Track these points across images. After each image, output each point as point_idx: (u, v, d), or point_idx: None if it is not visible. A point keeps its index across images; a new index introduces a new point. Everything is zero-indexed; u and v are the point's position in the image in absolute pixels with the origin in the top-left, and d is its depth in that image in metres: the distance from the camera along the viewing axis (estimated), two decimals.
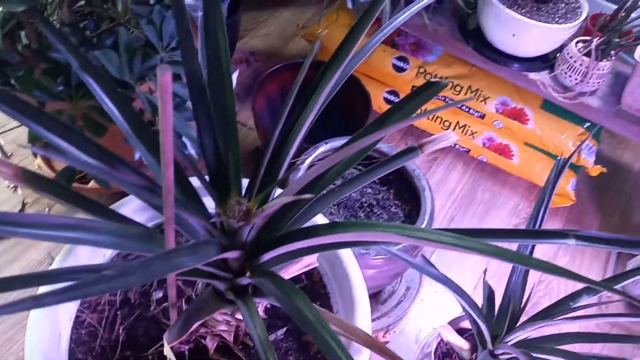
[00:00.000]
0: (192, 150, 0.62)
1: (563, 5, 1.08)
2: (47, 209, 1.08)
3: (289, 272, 0.65)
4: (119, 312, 0.70)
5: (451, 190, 1.26)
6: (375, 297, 1.05)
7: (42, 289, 0.63)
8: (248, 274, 0.56)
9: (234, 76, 0.61)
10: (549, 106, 1.18)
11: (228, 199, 0.52)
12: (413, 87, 1.29)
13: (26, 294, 0.27)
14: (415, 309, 1.04)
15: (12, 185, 1.12)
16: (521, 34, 1.05)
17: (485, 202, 1.25)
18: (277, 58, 1.47)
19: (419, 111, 0.52)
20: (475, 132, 1.27)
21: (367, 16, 0.53)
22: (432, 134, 1.32)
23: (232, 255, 0.50)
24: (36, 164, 1.09)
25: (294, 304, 0.45)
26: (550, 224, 1.22)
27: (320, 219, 0.74)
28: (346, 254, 0.71)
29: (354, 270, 0.70)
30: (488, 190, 1.27)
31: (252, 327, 0.51)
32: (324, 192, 0.58)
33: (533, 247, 0.74)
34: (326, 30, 1.34)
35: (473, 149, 1.29)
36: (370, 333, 0.65)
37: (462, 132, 1.29)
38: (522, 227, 1.22)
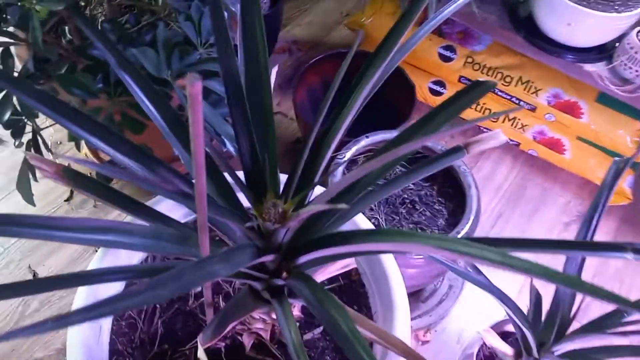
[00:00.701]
0: (230, 147, 0.61)
1: None
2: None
3: (327, 272, 0.64)
4: (158, 306, 0.70)
5: (499, 185, 1.22)
6: (417, 295, 1.02)
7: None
8: (284, 274, 0.55)
9: (273, 71, 0.59)
10: (605, 99, 1.11)
11: (264, 200, 0.51)
12: (460, 77, 1.24)
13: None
14: (457, 308, 1.02)
15: (66, 199, 1.15)
16: (577, 24, 0.99)
17: (534, 198, 1.20)
18: (320, 47, 1.45)
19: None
20: (526, 125, 1.22)
21: (414, 8, 0.50)
22: (481, 126, 1.27)
23: (267, 259, 0.49)
24: (83, 154, 1.11)
25: (328, 313, 0.44)
26: (604, 225, 1.16)
27: (360, 219, 0.72)
28: (386, 255, 0.69)
29: (394, 272, 0.68)
30: (538, 185, 1.22)
31: (286, 330, 0.50)
32: (364, 192, 0.56)
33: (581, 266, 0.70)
34: (370, 18, 1.30)
35: (523, 143, 1.24)
36: (408, 339, 0.63)
37: (512, 124, 1.23)
38: (574, 225, 1.16)
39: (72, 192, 1.13)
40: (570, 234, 1.15)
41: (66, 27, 0.66)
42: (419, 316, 1.00)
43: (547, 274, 0.34)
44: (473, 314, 1.01)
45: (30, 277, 1.00)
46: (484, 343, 0.82)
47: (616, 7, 0.99)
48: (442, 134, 0.35)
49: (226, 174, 0.54)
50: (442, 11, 0.54)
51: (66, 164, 0.45)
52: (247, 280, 0.55)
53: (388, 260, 0.69)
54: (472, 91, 0.45)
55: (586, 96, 1.13)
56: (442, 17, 0.54)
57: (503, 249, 0.49)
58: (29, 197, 0.63)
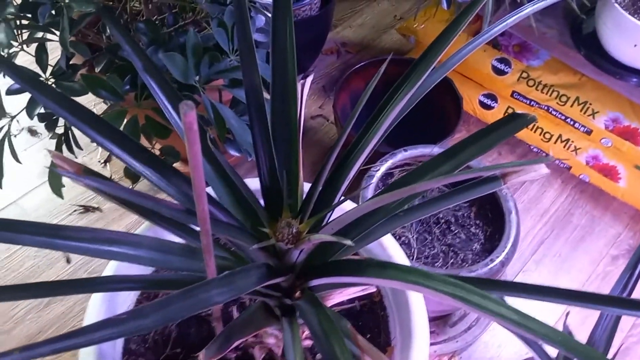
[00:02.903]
0: (254, 158, 0.59)
1: None
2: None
3: (345, 294, 0.61)
4: None
5: (545, 210, 1.15)
6: (444, 319, 0.98)
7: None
8: (298, 293, 0.53)
9: (309, 79, 0.57)
10: None
11: (279, 219, 0.49)
12: (513, 92, 1.18)
13: None
14: (486, 336, 0.97)
15: (103, 160, 1.17)
16: None
17: (582, 227, 1.13)
18: (370, 50, 1.41)
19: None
20: (579, 149, 1.15)
21: (461, 18, 0.47)
22: (531, 145, 1.21)
23: (277, 280, 0.48)
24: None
25: (330, 346, 0.41)
26: None
27: (387, 240, 0.69)
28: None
29: (416, 299, 0.65)
30: (587, 213, 1.15)
31: (290, 351, 0.49)
32: (390, 215, 0.53)
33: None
34: (423, 25, 1.26)
35: (574, 166, 1.17)
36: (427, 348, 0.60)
37: (565, 146, 1.16)
38: (622, 260, 1.09)
39: (109, 155, 1.15)
40: (617, 269, 1.07)
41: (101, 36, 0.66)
42: (444, 341, 0.96)
43: (566, 344, 0.30)
44: (501, 345, 0.96)
45: (63, 261, 1.03)
46: None
47: None
48: (464, 175, 0.31)
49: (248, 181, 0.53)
50: (497, 24, 0.50)
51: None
52: (259, 297, 0.54)
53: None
54: (508, 125, 0.41)
55: None
56: (497, 31, 0.50)
57: (528, 296, 0.46)
58: (57, 190, 0.64)
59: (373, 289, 0.63)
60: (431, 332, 0.97)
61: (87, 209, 1.09)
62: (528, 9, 0.50)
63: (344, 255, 0.53)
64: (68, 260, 1.02)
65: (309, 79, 0.57)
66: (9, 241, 0.34)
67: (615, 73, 1.00)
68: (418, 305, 0.64)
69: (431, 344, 0.95)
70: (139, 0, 0.69)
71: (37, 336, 0.94)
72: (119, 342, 0.66)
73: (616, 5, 0.93)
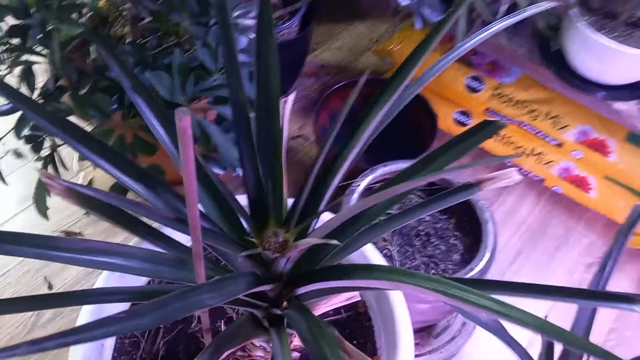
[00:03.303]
0: (240, 173, 0.61)
1: None
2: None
3: (330, 304, 0.63)
4: (161, 327, 0.70)
5: (521, 221, 1.19)
6: (428, 331, 1.00)
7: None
8: (285, 304, 0.54)
9: (290, 97, 0.59)
10: (635, 139, 1.08)
11: (265, 229, 0.51)
12: (487, 109, 1.22)
13: None
14: (469, 346, 0.99)
15: (86, 183, 1.17)
16: (609, 61, 0.97)
17: (557, 237, 1.16)
18: (348, 72, 1.45)
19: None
20: (551, 161, 1.19)
21: (434, 34, 0.50)
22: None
23: (264, 288, 0.49)
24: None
25: (321, 351, 0.43)
26: (630, 268, 1.12)
27: (369, 249, 0.71)
28: (393, 291, 0.68)
29: (400, 309, 0.67)
30: (562, 224, 1.18)
31: (278, 347, 0.50)
32: (370, 224, 0.55)
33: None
34: (399, 45, 1.30)
35: (548, 179, 1.21)
36: None
37: (537, 160, 1.21)
38: (596, 267, 1.12)
39: (91, 179, 1.16)
40: (591, 276, 1.10)
41: (92, 47, 0.68)
42: (429, 352, 0.98)
43: (543, 327, 0.32)
44: (485, 354, 0.98)
45: (45, 288, 1.02)
46: None
47: None
48: (439, 175, 0.34)
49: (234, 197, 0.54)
50: (467, 41, 0.53)
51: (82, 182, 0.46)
52: (246, 307, 0.55)
53: (396, 296, 0.67)
54: (480, 132, 0.44)
55: (616, 135, 1.10)
56: (467, 47, 0.53)
57: (507, 293, 0.48)
58: (43, 211, 0.65)
59: (358, 298, 0.64)
60: (415, 344, 0.99)
61: (68, 234, 1.09)
62: (496, 27, 0.53)
63: (329, 264, 0.55)
64: (50, 287, 1.02)
65: (291, 97, 0.59)
66: (9, 253, 0.35)
67: (582, 88, 1.05)
68: (402, 315, 0.66)
69: (416, 356, 0.97)
70: (122, 25, 0.71)
71: None
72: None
73: (580, 24, 0.98)
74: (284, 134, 0.55)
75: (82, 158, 0.50)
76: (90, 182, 1.17)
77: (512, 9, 1.02)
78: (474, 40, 0.52)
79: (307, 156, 1.25)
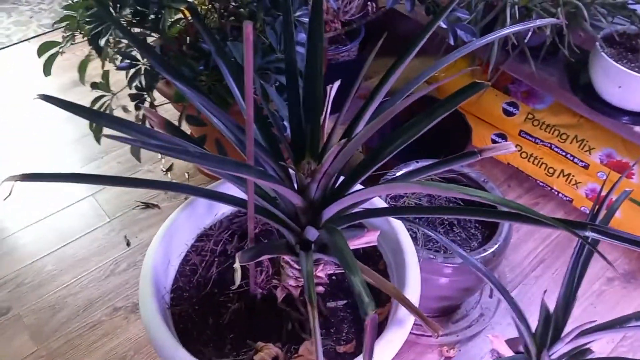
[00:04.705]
0: (289, 130, 0.78)
1: None
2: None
3: (352, 244, 0.77)
4: (216, 259, 0.86)
5: (547, 235, 1.28)
6: (448, 316, 1.10)
7: None
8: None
9: (335, 85, 0.76)
10: None
11: (302, 160, 0.67)
12: (520, 131, 1.35)
13: None
14: (484, 334, 1.08)
15: (165, 169, 1.38)
16: (627, 86, 1.08)
17: None
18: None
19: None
20: (579, 182, 1.28)
21: (413, 44, 0.66)
22: (537, 179, 1.35)
23: (298, 201, 0.64)
24: None
25: (339, 245, 0.57)
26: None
27: (395, 221, 0.84)
28: (406, 243, 0.81)
29: (408, 247, 0.79)
30: None
31: (304, 265, 0.64)
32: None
33: (578, 284, 0.78)
34: (443, 73, 1.46)
35: (576, 199, 1.30)
36: (417, 299, 0.73)
37: (566, 180, 1.30)
38: (617, 282, 1.19)
39: (172, 165, 1.37)
40: (612, 289, 1.17)
41: (187, 38, 0.89)
42: (446, 335, 1.08)
43: (503, 202, 0.46)
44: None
45: (124, 244, 1.22)
46: (494, 350, 0.89)
47: None
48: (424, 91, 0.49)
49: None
50: (464, 48, 0.69)
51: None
52: (283, 227, 0.70)
53: (404, 237, 0.80)
54: (469, 90, 0.58)
55: (638, 157, 1.19)
56: (462, 52, 0.69)
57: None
58: (137, 156, 0.84)
59: (375, 243, 0.78)
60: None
61: (147, 205, 1.29)
62: (495, 35, 0.68)
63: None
64: (128, 244, 1.21)
65: (336, 84, 0.76)
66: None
67: (607, 113, 1.15)
68: (409, 248, 0.79)
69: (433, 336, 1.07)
70: (212, 15, 0.91)
71: (97, 300, 1.11)
72: (171, 277, 0.82)
73: (603, 54, 1.10)
74: (327, 111, 0.71)
75: (178, 98, 0.68)
76: (171, 167, 1.38)
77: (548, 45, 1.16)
78: (470, 47, 0.68)
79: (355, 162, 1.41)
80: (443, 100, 0.62)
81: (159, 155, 1.39)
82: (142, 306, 0.73)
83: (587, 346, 0.78)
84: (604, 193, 1.25)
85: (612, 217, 0.78)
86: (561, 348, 0.74)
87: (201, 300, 0.81)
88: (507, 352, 0.82)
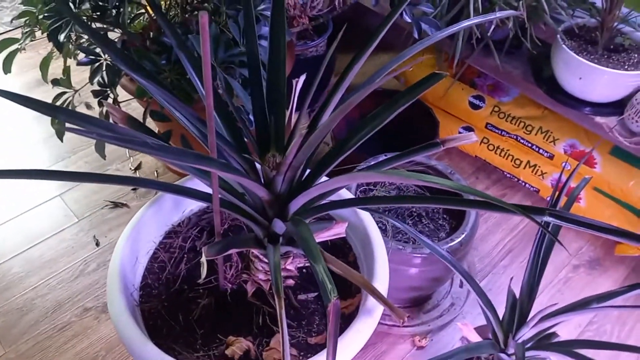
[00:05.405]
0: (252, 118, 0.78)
1: (637, 55, 1.12)
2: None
3: (320, 237, 0.77)
4: (185, 256, 0.86)
5: (515, 225, 1.30)
6: (420, 306, 1.12)
7: None
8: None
9: (300, 80, 0.76)
10: (618, 152, 1.19)
11: (266, 152, 0.67)
12: (487, 124, 1.37)
13: None
14: (455, 323, 1.09)
15: (134, 168, 1.37)
16: (587, 78, 1.11)
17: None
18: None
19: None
20: (545, 173, 1.31)
21: (374, 35, 0.67)
22: (504, 171, 1.38)
23: (262, 192, 0.64)
24: None
25: (303, 235, 0.57)
26: (615, 271, 1.21)
27: (363, 212, 0.85)
28: (374, 234, 0.82)
29: (377, 238, 0.80)
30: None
31: (271, 257, 0.65)
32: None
33: (542, 270, 0.81)
34: (411, 68, 1.48)
35: (542, 190, 1.33)
36: (385, 289, 0.74)
37: (533, 171, 1.33)
38: (583, 269, 1.22)
39: (140, 163, 1.36)
40: (578, 276, 1.21)
41: (150, 33, 0.88)
42: (417, 325, 1.09)
43: (455, 185, 0.47)
44: None
45: (93, 244, 1.20)
46: (463, 338, 0.90)
47: (627, 67, 1.10)
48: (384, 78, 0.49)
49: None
50: (426, 40, 0.70)
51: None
52: (251, 221, 0.70)
53: (372, 228, 0.81)
54: (429, 81, 0.59)
55: (600, 148, 1.22)
56: (432, 40, 0.70)
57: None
58: (100, 151, 0.83)
59: (343, 234, 0.78)
60: (407, 317, 1.10)
61: (116, 204, 1.27)
62: (454, 28, 0.69)
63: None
64: (97, 244, 1.20)
65: (302, 78, 0.77)
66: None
67: (569, 105, 1.18)
68: (378, 240, 0.80)
69: (405, 326, 1.08)
70: (175, 9, 0.90)
71: (66, 301, 1.09)
72: (139, 275, 0.82)
73: (564, 46, 1.13)
74: (293, 108, 0.71)
75: (140, 93, 0.68)
76: (139, 166, 1.37)
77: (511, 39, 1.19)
78: (444, 33, 0.69)
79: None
80: (405, 91, 0.63)
81: (127, 154, 1.37)
82: (110, 304, 0.72)
83: (552, 330, 0.80)
84: (568, 183, 1.29)
85: (572, 204, 0.80)
86: (526, 332, 0.76)
87: (170, 297, 0.80)
88: (477, 339, 0.84)
